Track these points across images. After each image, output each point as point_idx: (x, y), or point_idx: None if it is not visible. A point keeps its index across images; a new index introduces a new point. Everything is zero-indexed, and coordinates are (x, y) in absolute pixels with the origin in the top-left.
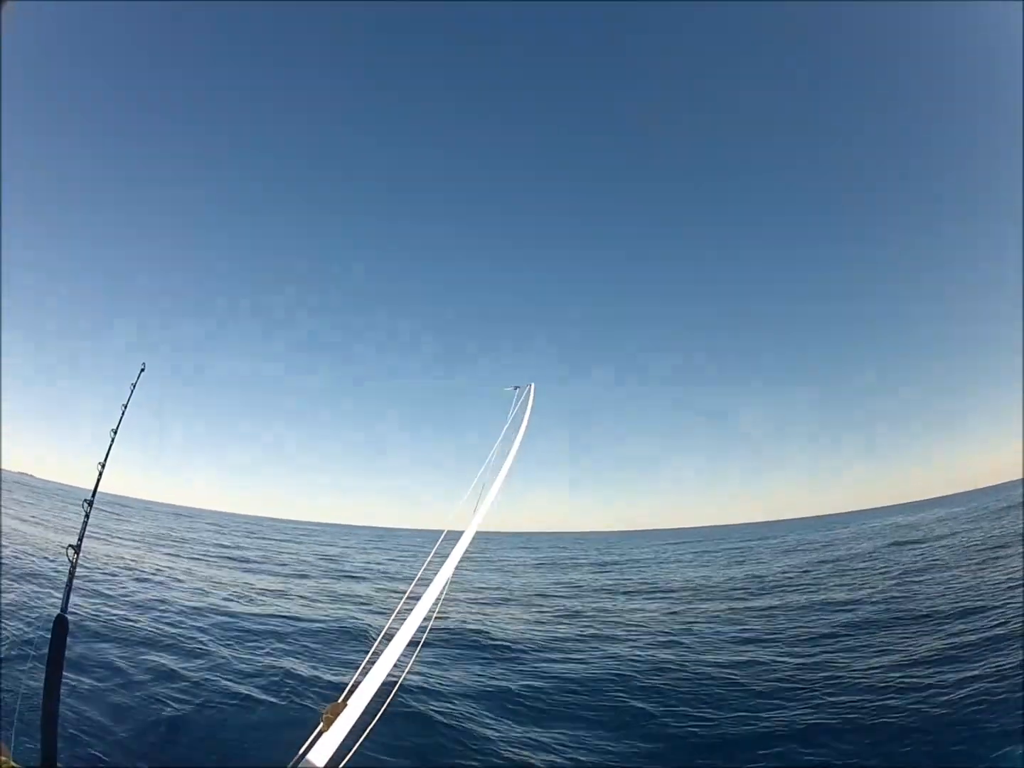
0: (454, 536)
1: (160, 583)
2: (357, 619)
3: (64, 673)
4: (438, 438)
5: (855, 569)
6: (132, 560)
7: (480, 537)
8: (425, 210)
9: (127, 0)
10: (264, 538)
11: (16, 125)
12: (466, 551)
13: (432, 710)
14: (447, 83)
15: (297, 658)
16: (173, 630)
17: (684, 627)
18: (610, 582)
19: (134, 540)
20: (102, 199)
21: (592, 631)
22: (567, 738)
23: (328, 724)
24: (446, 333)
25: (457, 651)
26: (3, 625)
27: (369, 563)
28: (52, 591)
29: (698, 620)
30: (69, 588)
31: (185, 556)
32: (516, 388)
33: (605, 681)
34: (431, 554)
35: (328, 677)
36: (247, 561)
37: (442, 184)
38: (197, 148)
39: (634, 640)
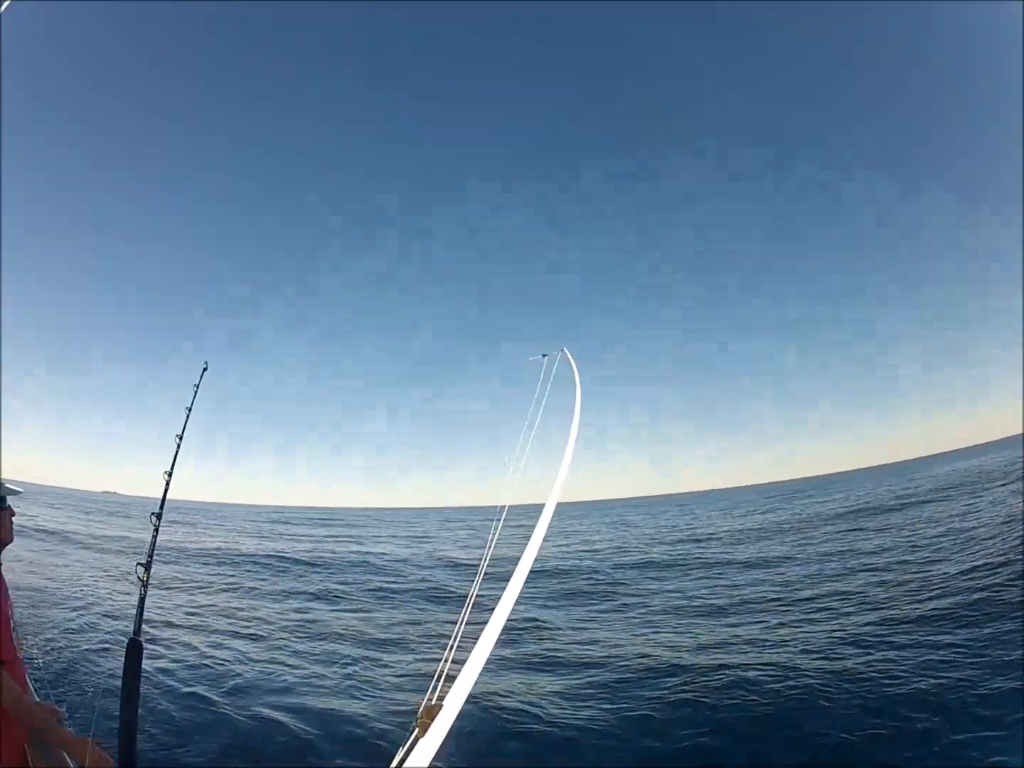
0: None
1: None
2: None
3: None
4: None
5: None
6: None
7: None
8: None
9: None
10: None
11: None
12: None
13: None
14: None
15: None
16: None
17: None
18: None
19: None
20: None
21: None
22: None
23: (424, 728)
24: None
25: None
26: (82, 644)
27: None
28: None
29: None
30: (141, 609)
31: None
32: (544, 356)
33: None
34: (496, 531)
35: None
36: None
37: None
38: (196, 149)
39: None
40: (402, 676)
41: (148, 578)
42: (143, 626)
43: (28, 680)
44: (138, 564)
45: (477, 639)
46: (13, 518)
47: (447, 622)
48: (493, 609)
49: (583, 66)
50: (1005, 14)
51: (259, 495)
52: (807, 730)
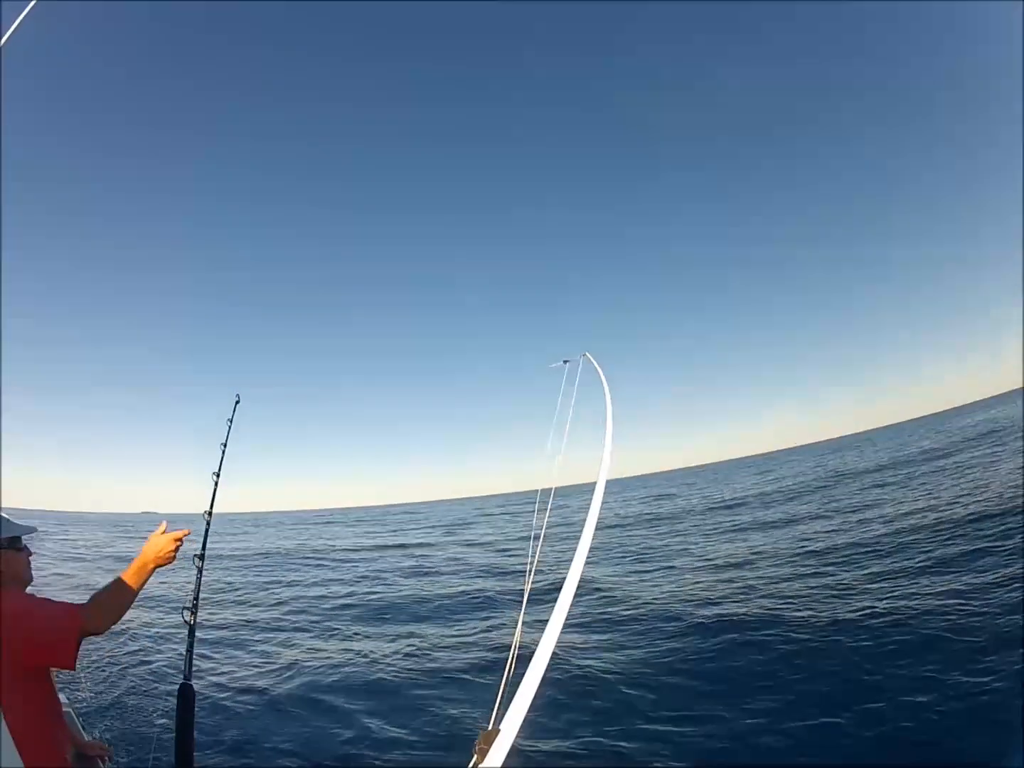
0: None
1: None
2: None
3: None
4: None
5: None
6: None
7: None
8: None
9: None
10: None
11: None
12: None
13: None
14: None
15: None
16: None
17: None
18: None
19: None
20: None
21: None
22: None
23: (483, 755)
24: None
25: None
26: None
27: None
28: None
29: None
30: (191, 653)
31: None
32: (566, 363)
33: None
34: (541, 538)
35: None
36: None
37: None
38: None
39: None
40: (462, 669)
41: (195, 622)
42: (193, 669)
43: (75, 716)
44: (184, 608)
45: (531, 658)
46: (31, 557)
47: (505, 620)
48: (544, 627)
49: (590, 72)
50: (1005, 14)
51: (295, 502)
52: (816, 677)
